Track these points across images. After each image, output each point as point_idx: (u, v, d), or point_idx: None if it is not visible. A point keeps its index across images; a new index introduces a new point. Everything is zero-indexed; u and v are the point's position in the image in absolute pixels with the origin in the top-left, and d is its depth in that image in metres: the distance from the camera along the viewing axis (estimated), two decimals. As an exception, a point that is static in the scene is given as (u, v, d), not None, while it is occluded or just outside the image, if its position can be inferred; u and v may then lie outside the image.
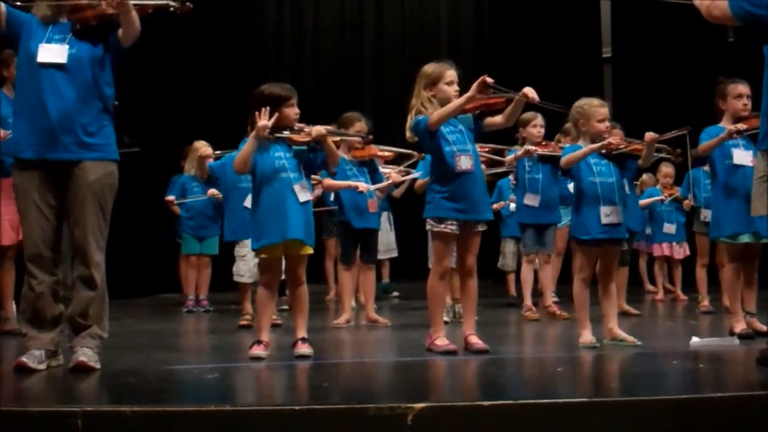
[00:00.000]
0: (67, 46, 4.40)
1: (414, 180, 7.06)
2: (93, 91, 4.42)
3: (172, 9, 4.39)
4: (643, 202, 8.51)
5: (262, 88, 5.04)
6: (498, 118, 5.21)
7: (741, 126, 5.57)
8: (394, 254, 9.30)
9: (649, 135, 5.36)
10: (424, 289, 5.25)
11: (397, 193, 7.81)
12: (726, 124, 5.73)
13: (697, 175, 7.73)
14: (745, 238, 5.63)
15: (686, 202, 8.25)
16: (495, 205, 8.02)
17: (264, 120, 4.84)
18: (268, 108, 4.88)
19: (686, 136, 5.77)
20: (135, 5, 4.37)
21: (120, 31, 4.42)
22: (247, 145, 4.91)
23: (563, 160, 5.34)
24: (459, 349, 5.01)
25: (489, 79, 4.90)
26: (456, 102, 5.00)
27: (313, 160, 5.07)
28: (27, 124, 4.38)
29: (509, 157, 7.18)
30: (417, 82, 5.17)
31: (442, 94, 5.08)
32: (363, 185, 6.64)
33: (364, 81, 13.01)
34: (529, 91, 5.03)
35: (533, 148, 7.04)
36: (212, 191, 7.70)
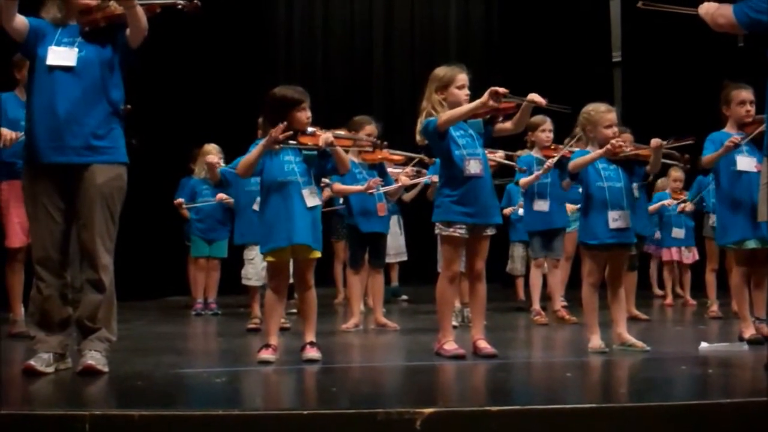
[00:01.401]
0: (76, 49, 4.42)
1: (426, 185, 7.06)
2: (101, 94, 4.44)
3: (180, 6, 4.40)
4: (651, 207, 8.48)
5: (274, 90, 5.04)
6: (508, 125, 5.23)
7: (736, 139, 5.56)
8: (404, 258, 9.28)
9: (655, 141, 5.36)
10: (432, 293, 5.25)
11: (407, 196, 7.81)
12: (730, 130, 5.73)
13: (705, 181, 7.71)
14: (752, 244, 5.62)
15: (684, 205, 8.18)
16: (505, 210, 8.02)
17: (277, 133, 4.83)
18: (285, 124, 4.86)
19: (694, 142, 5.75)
20: (143, 4, 4.38)
21: (128, 31, 4.43)
22: (254, 152, 4.91)
23: (571, 164, 5.35)
24: (468, 354, 5.00)
25: (501, 90, 4.91)
26: (466, 106, 5.00)
27: (323, 165, 5.07)
28: (37, 127, 4.40)
29: (534, 175, 7.06)
30: (428, 85, 5.17)
31: (453, 97, 5.08)
32: (373, 180, 6.60)
33: (373, 84, 13.00)
34: (535, 97, 5.04)
35: (548, 164, 6.95)
36: (221, 196, 7.72)
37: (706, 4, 4.67)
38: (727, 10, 4.47)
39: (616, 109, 5.57)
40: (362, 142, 6.38)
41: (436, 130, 5.01)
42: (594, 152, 5.29)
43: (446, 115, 5.00)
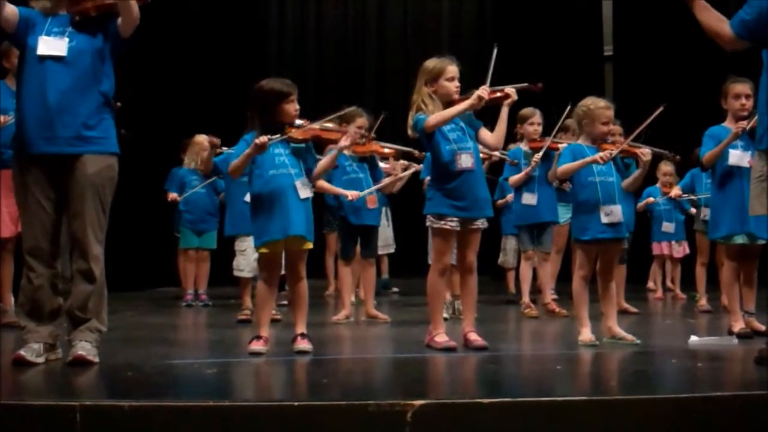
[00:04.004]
0: (66, 39, 4.40)
1: (414, 175, 7.06)
2: (92, 84, 4.42)
3: None
4: (639, 204, 8.49)
5: (262, 83, 5.03)
6: (488, 138, 5.18)
7: (743, 123, 5.53)
8: (392, 249, 9.29)
9: (644, 151, 5.38)
10: (423, 286, 5.25)
11: (387, 190, 7.70)
12: (729, 124, 5.71)
13: (699, 174, 7.72)
14: (739, 239, 5.62)
15: (673, 191, 8.22)
16: (499, 202, 8.04)
17: (264, 138, 4.81)
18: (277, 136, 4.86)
19: (692, 132, 5.72)
20: None
21: (119, 20, 4.42)
22: (245, 155, 4.86)
23: (560, 171, 5.29)
24: (458, 346, 5.01)
25: (484, 94, 4.93)
26: (454, 109, 5.01)
27: (308, 160, 5.06)
28: (28, 117, 4.38)
29: (523, 172, 7.12)
30: (418, 77, 5.17)
31: (443, 89, 5.08)
32: (353, 194, 6.61)
33: (365, 77, 12.99)
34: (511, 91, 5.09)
35: (535, 160, 7.01)
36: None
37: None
38: (725, 27, 4.40)
39: (607, 104, 5.55)
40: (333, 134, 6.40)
41: (423, 129, 5.02)
42: (582, 160, 5.25)
43: (434, 118, 4.99)
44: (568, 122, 6.95)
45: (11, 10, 4.39)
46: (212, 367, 4.48)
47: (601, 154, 5.23)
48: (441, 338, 5.04)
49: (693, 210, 8.31)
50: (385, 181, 6.92)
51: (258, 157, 4.92)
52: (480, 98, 4.94)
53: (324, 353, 5.04)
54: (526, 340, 6.23)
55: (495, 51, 5.14)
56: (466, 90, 5.14)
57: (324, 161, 5.16)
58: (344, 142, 5.24)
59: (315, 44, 13.05)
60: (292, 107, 4.98)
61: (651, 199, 8.65)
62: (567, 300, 6.66)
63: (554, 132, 7.10)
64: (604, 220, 5.23)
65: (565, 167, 5.28)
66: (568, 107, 6.39)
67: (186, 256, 8.48)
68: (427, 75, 5.13)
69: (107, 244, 4.50)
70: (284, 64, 12.57)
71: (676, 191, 8.26)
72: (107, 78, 4.50)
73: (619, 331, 5.30)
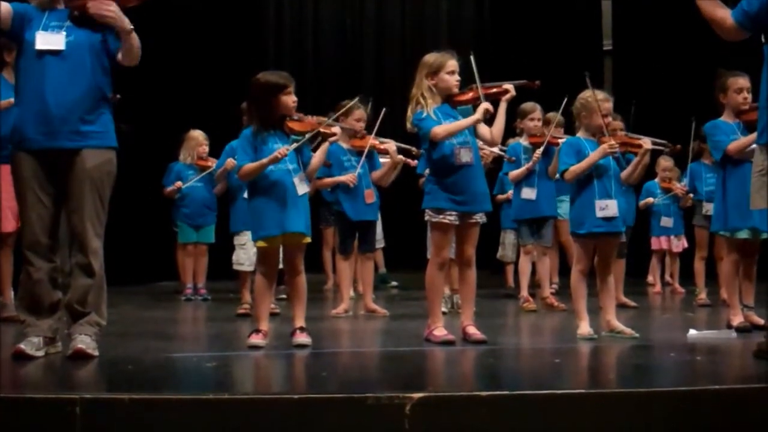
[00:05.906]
0: (64, 33, 4.40)
1: (410, 169, 7.06)
2: (91, 79, 4.42)
3: None
4: (641, 203, 8.50)
5: (259, 76, 5.01)
6: (487, 134, 5.19)
7: None
8: (382, 244, 9.25)
9: (645, 141, 5.38)
10: (421, 280, 5.26)
11: (384, 182, 7.66)
12: (727, 118, 5.70)
13: (698, 169, 7.72)
14: (743, 234, 5.61)
15: (688, 196, 8.23)
16: (498, 197, 8.04)
17: (284, 150, 4.84)
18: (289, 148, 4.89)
19: (691, 127, 5.71)
20: None
21: (119, 54, 4.45)
22: (260, 164, 4.85)
23: (567, 176, 5.27)
24: (457, 340, 5.02)
25: (491, 108, 5.02)
26: (463, 122, 5.04)
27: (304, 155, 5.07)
28: (26, 112, 4.39)
29: (524, 167, 7.13)
30: (418, 71, 5.16)
31: (443, 83, 5.09)
32: (350, 178, 6.62)
33: (364, 71, 12.97)
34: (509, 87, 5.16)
35: (536, 156, 7.03)
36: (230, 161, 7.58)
37: None
38: (726, 16, 4.39)
39: (606, 98, 5.56)
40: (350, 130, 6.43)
41: (429, 138, 5.02)
42: (588, 159, 5.23)
43: (443, 131, 4.99)
44: (550, 115, 7.08)
45: (4, 7, 4.38)
46: (211, 360, 4.50)
47: (606, 147, 5.21)
48: (439, 332, 5.05)
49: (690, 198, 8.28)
50: (383, 170, 6.89)
51: (258, 153, 4.92)
52: (487, 111, 5.01)
53: (323, 347, 5.04)
54: (525, 333, 6.23)
55: (472, 58, 5.17)
56: (463, 86, 5.16)
57: (316, 156, 5.14)
58: (335, 133, 5.23)
59: (313, 41, 13.03)
60: (290, 99, 4.96)
61: (650, 200, 8.67)
62: (566, 294, 6.67)
63: (551, 126, 7.12)
64: (599, 214, 5.23)
65: (574, 171, 5.25)
66: (564, 101, 6.42)
67: (184, 251, 8.47)
68: (428, 68, 5.13)
69: (106, 239, 4.50)
70: (282, 60, 12.54)
71: (678, 187, 8.25)
72: (106, 73, 4.50)
73: (618, 325, 5.31)
